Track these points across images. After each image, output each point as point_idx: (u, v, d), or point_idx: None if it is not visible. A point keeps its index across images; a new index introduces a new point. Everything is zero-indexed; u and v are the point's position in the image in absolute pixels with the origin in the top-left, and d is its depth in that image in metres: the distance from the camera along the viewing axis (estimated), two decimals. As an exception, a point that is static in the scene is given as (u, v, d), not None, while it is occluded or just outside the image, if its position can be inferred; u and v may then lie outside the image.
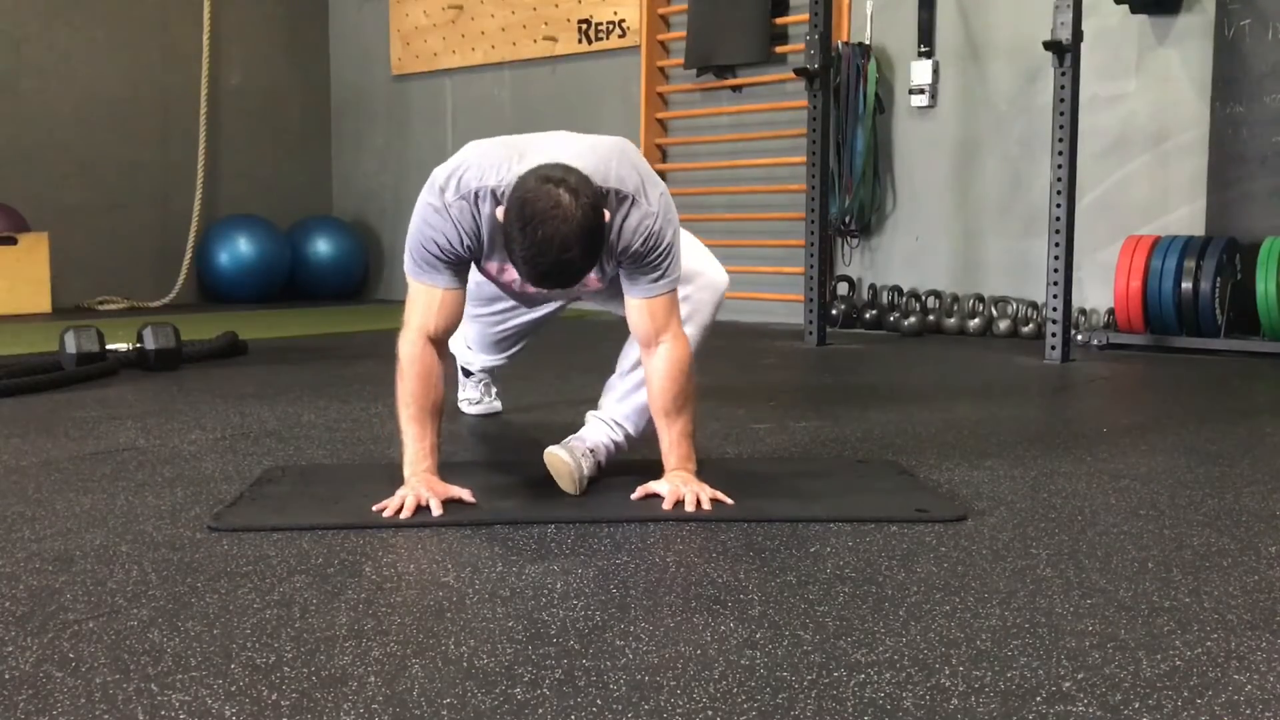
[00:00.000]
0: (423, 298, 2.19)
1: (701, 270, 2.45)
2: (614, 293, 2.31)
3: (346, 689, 1.34)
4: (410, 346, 2.18)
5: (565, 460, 2.24)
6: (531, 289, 2.31)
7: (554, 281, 2.04)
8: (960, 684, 1.35)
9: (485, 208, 2.11)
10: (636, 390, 2.36)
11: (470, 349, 3.11)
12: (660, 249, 2.16)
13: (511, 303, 2.70)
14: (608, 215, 2.05)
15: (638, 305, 2.21)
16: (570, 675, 1.38)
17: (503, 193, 2.07)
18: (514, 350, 3.06)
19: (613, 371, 2.45)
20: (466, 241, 2.14)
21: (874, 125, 5.90)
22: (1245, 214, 4.95)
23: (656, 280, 2.19)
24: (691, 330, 2.39)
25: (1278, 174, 4.89)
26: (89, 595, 1.68)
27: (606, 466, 2.36)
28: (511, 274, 2.25)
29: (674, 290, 2.22)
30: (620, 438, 2.39)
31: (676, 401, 2.22)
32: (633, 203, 2.13)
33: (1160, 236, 4.95)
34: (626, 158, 2.19)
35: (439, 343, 2.21)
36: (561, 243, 1.95)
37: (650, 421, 2.32)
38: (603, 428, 2.39)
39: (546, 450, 2.27)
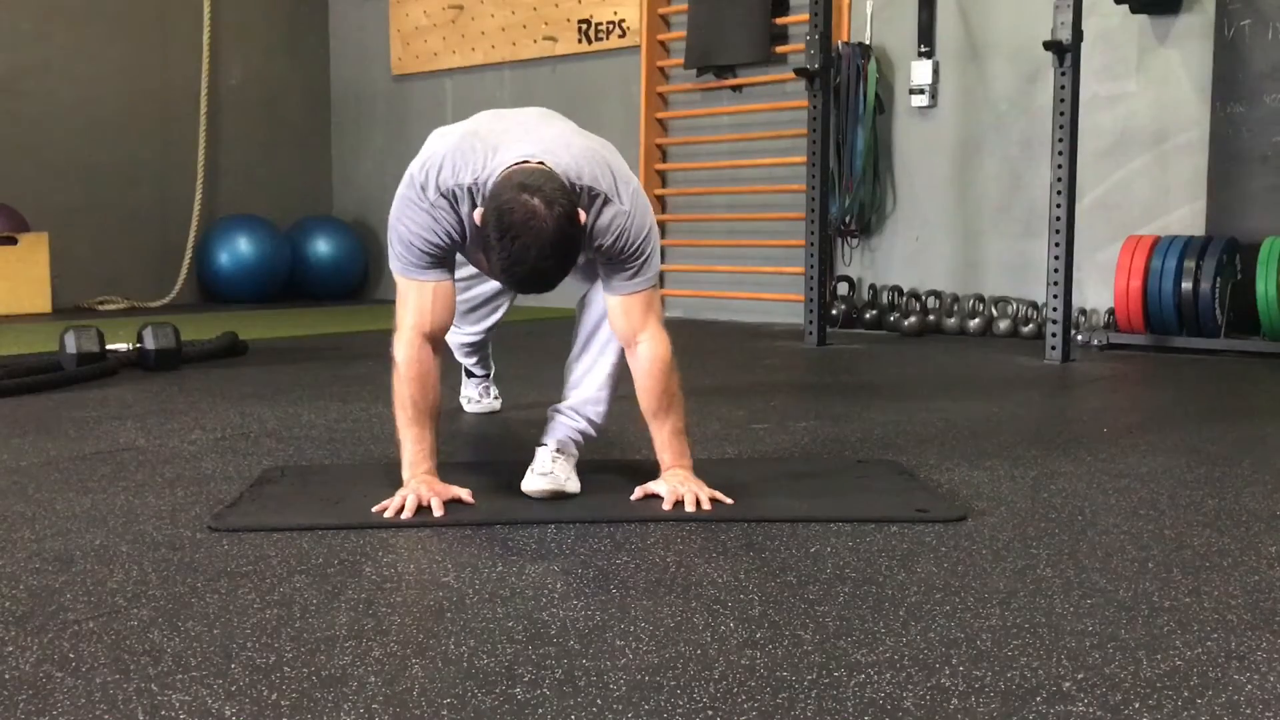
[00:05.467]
0: (414, 295, 2.18)
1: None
2: (586, 273, 2.31)
3: (346, 689, 1.34)
4: (406, 348, 2.17)
5: (540, 487, 2.21)
6: None
7: (531, 288, 2.06)
8: (960, 684, 1.35)
9: (464, 207, 2.12)
10: (586, 374, 2.34)
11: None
12: (634, 247, 2.16)
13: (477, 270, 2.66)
14: (583, 217, 2.06)
15: (615, 303, 2.21)
16: (570, 675, 1.38)
17: (479, 192, 2.08)
18: (489, 323, 3.04)
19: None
20: (453, 236, 2.15)
21: (874, 125, 5.90)
22: (1245, 214, 4.95)
23: (632, 278, 2.19)
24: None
25: (1278, 174, 4.88)
26: (89, 595, 1.68)
27: (586, 451, 2.34)
28: (485, 265, 2.26)
29: (652, 288, 2.22)
30: (583, 424, 2.34)
31: (662, 400, 2.22)
32: (605, 201, 2.14)
33: (1160, 236, 4.95)
34: (600, 157, 2.18)
35: (435, 342, 2.20)
36: (538, 252, 1.97)
37: (610, 395, 2.33)
38: (564, 421, 2.34)
39: (522, 487, 2.23)
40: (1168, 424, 3.21)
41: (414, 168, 2.17)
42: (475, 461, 2.75)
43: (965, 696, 1.32)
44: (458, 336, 3.09)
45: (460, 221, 2.13)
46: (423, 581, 1.78)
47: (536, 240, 1.96)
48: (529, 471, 2.24)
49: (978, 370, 4.47)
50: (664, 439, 2.24)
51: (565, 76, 7.28)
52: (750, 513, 2.13)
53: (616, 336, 2.25)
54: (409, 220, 2.14)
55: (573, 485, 2.25)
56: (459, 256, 2.47)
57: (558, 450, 2.28)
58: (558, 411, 2.37)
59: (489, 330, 3.09)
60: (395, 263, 2.20)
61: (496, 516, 2.10)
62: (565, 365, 2.40)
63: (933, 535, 2.00)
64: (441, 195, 2.11)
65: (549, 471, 2.23)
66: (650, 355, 2.21)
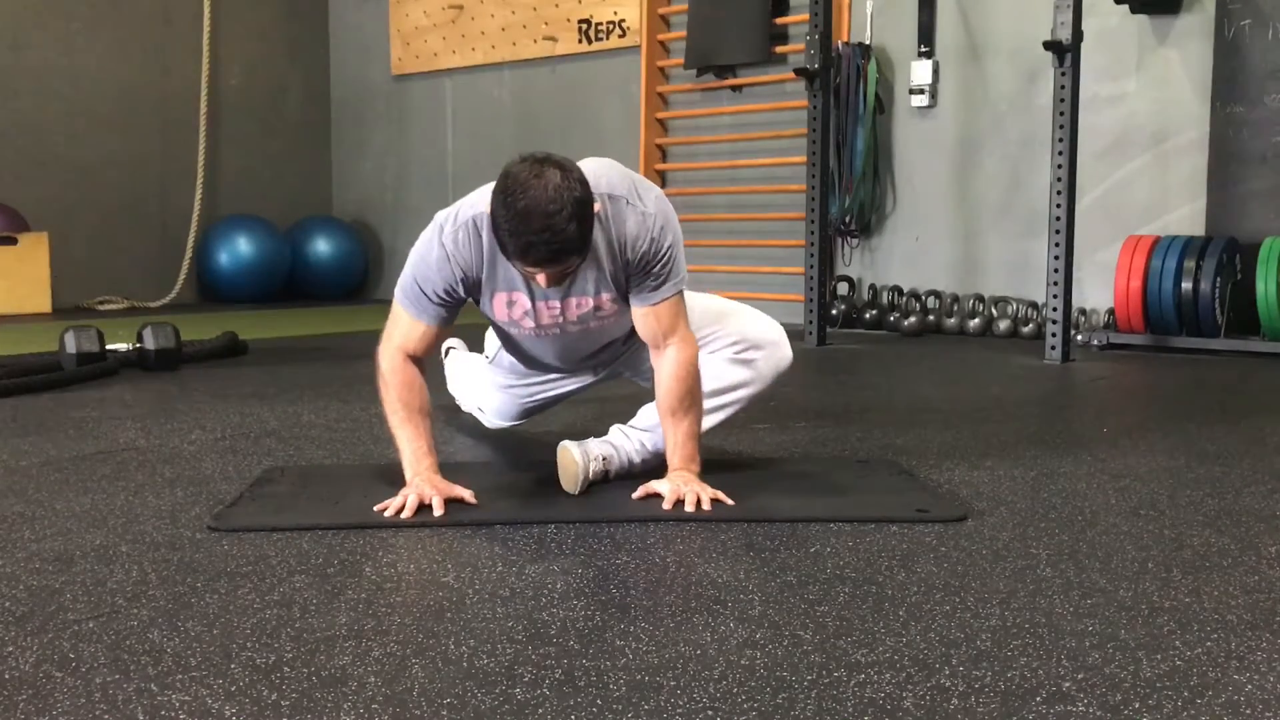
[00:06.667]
0: (405, 325, 2.23)
1: (776, 341, 2.49)
2: (642, 353, 2.32)
3: (346, 689, 1.34)
4: (391, 359, 2.23)
5: (574, 459, 2.25)
6: (554, 324, 2.28)
7: (542, 253, 1.98)
8: (960, 684, 1.35)
9: (485, 232, 2.13)
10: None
11: (482, 410, 2.92)
12: (663, 253, 2.17)
13: (545, 376, 2.62)
14: (598, 206, 2.06)
15: (644, 312, 2.23)
16: (570, 675, 1.38)
17: None
18: (527, 419, 2.90)
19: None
20: (460, 274, 2.17)
21: (874, 125, 5.90)
22: (1245, 214, 4.95)
23: (660, 287, 2.20)
24: (747, 392, 2.44)
25: (1278, 174, 4.89)
26: (89, 595, 1.68)
27: (614, 477, 2.35)
28: (522, 304, 2.24)
29: (679, 293, 2.23)
30: (637, 457, 2.38)
31: (683, 402, 2.23)
32: (627, 204, 2.15)
33: (1160, 236, 4.95)
34: (621, 170, 2.22)
35: (417, 361, 2.25)
36: (544, 210, 1.93)
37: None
38: (625, 441, 2.38)
39: (561, 443, 2.28)
40: (1168, 424, 3.20)
41: (440, 213, 2.22)
42: (475, 461, 2.75)
43: (965, 696, 1.32)
44: (495, 425, 2.93)
45: (479, 250, 2.15)
46: (423, 581, 1.78)
47: (542, 197, 1.93)
48: (578, 442, 2.28)
49: (978, 370, 4.47)
50: (677, 440, 2.24)
51: (565, 76, 7.28)
52: (750, 513, 2.13)
53: (645, 340, 2.27)
54: (422, 262, 2.19)
55: (582, 488, 2.25)
56: (525, 368, 2.52)
57: (604, 457, 2.32)
58: (624, 430, 2.40)
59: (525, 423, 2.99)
60: (399, 292, 2.24)
61: (496, 516, 2.10)
62: (645, 405, 2.42)
63: (933, 535, 2.00)
64: (460, 226, 2.15)
65: (588, 462, 2.26)
66: (678, 358, 2.22)
